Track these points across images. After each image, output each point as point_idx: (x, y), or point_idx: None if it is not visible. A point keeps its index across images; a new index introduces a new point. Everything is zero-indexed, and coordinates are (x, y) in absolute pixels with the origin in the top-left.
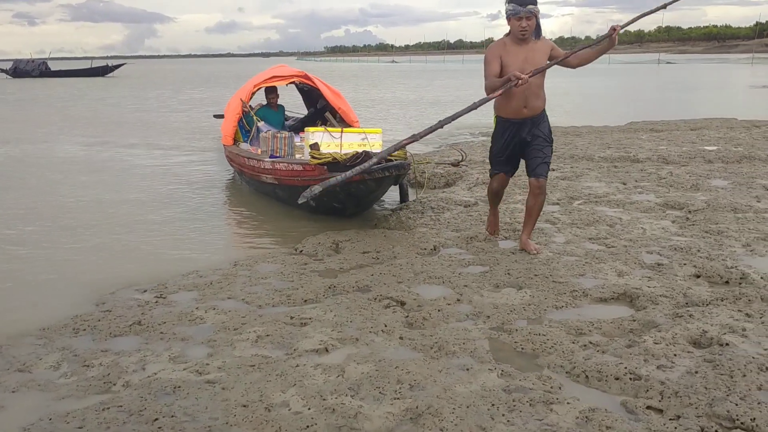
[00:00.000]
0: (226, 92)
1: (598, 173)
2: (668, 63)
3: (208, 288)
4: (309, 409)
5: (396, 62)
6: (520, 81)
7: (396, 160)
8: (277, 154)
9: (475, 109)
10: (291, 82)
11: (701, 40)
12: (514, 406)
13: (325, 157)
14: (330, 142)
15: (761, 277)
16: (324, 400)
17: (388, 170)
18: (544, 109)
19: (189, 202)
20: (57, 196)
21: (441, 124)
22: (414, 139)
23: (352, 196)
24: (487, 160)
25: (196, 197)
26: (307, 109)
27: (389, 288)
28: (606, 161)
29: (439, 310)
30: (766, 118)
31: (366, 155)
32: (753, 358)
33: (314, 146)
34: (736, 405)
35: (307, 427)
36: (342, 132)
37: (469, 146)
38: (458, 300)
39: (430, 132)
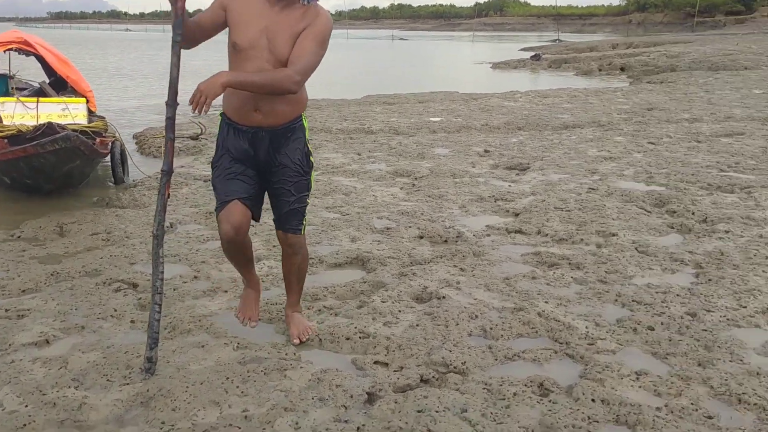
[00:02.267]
0: None
1: (336, 145)
2: (401, 39)
3: None
4: (26, 406)
5: (130, 30)
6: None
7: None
8: None
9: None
10: (9, 49)
11: (430, 18)
12: (249, 376)
13: (8, 130)
14: (24, 113)
15: (473, 235)
16: (44, 395)
17: (56, 142)
18: (298, 119)
19: None
20: None
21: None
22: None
23: (38, 171)
24: None
25: None
26: (48, 77)
27: (120, 270)
28: (343, 133)
29: (174, 289)
30: (482, 91)
31: (49, 127)
32: (465, 307)
33: None
34: (450, 351)
35: (25, 425)
36: (38, 102)
37: (209, 119)
38: (195, 277)
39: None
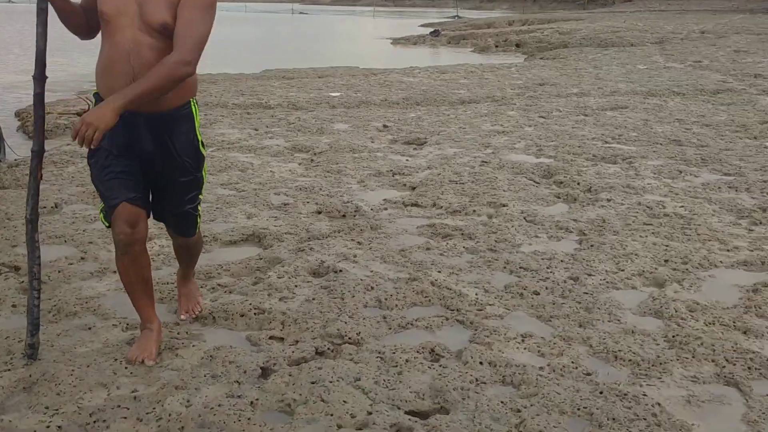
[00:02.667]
0: None
1: (232, 120)
2: (301, 13)
3: None
4: None
5: (13, 3)
6: None
7: None
8: None
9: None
10: None
11: None
12: None
13: None
14: None
15: (371, 209)
16: None
17: None
18: (185, 105)
19: None
20: None
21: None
22: None
23: None
24: None
25: None
26: None
27: (1, 253)
28: (240, 108)
29: (59, 271)
30: (382, 66)
31: None
32: (361, 280)
33: None
34: (345, 323)
35: None
36: None
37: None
38: (82, 258)
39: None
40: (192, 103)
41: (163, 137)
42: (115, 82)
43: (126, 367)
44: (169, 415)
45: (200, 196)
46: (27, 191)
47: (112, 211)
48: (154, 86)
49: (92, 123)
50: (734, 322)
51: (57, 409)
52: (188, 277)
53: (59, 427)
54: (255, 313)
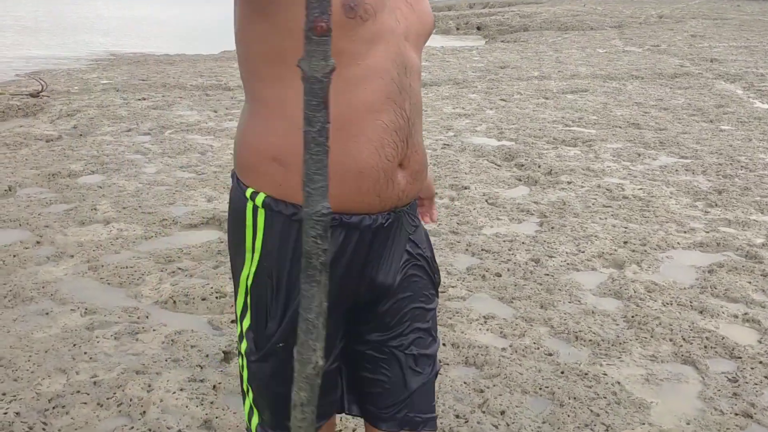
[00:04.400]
0: None
1: (191, 102)
2: None
3: None
4: None
5: None
6: None
7: None
8: None
9: None
10: None
11: None
12: (98, 342)
13: None
14: None
15: None
16: None
17: None
18: None
19: None
20: None
21: None
22: None
23: None
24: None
25: None
26: None
27: None
28: (198, 89)
29: (15, 256)
30: None
31: None
32: None
33: None
34: None
35: None
36: None
37: (52, 75)
38: (38, 242)
39: None
40: None
41: (414, 229)
42: (369, 155)
43: (85, 353)
44: (131, 399)
45: None
46: None
47: None
48: None
49: None
50: (691, 302)
51: (15, 396)
52: None
53: (17, 413)
54: (216, 297)
